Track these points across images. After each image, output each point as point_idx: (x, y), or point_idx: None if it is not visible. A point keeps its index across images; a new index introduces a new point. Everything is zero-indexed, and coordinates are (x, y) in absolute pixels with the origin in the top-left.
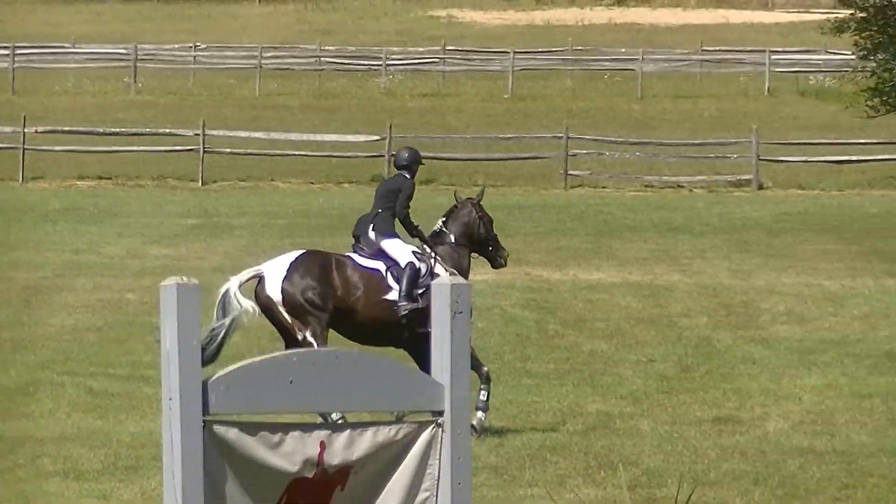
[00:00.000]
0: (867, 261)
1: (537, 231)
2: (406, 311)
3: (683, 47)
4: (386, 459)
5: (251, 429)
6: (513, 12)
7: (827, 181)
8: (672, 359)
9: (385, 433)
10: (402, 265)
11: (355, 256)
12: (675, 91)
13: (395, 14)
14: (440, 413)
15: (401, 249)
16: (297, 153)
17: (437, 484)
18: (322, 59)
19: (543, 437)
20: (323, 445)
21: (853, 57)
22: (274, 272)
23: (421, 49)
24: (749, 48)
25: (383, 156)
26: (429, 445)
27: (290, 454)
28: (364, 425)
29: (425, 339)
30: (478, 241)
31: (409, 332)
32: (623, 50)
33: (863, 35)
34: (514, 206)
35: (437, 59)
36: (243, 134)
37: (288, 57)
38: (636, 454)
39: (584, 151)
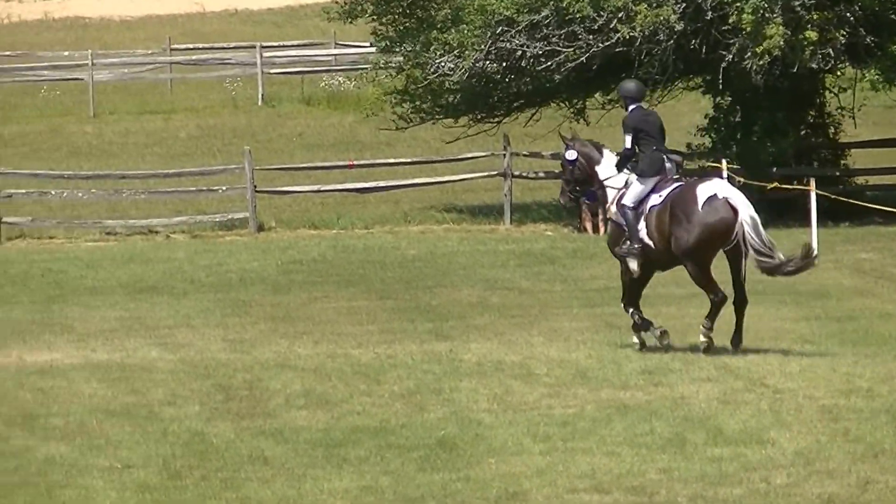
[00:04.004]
0: (408, 320)
1: None
2: None
3: (147, 47)
4: None
5: None
6: None
7: (349, 216)
8: (156, 462)
9: None
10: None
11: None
12: (139, 105)
13: None
14: None
15: None
16: None
17: None
18: None
19: None
20: None
21: (373, 50)
22: (739, 198)
23: None
24: (234, 44)
25: None
26: None
27: None
28: None
29: None
30: None
31: None
32: (66, 53)
33: (383, 21)
34: None
35: None
36: None
37: None
38: None
39: (22, 191)
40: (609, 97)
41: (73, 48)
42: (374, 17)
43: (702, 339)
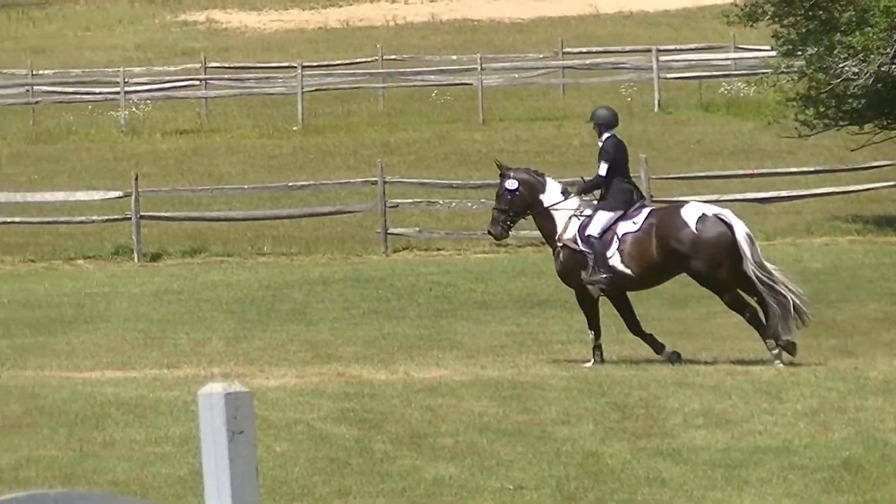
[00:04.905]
0: (812, 336)
1: (350, 315)
2: None
3: (538, 50)
4: None
5: None
6: (298, 11)
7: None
8: (549, 484)
9: None
10: None
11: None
12: (529, 112)
13: (133, 21)
14: None
15: None
16: (7, 220)
17: None
18: (35, 87)
19: None
20: None
21: (774, 53)
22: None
23: (173, 68)
24: (629, 48)
25: (129, 218)
26: None
27: None
28: None
29: None
30: None
31: None
32: (454, 57)
33: (784, 23)
34: (316, 282)
35: (197, 81)
36: None
37: None
38: None
39: (409, 201)
40: None
41: (460, 52)
42: (775, 20)
43: (777, 363)
